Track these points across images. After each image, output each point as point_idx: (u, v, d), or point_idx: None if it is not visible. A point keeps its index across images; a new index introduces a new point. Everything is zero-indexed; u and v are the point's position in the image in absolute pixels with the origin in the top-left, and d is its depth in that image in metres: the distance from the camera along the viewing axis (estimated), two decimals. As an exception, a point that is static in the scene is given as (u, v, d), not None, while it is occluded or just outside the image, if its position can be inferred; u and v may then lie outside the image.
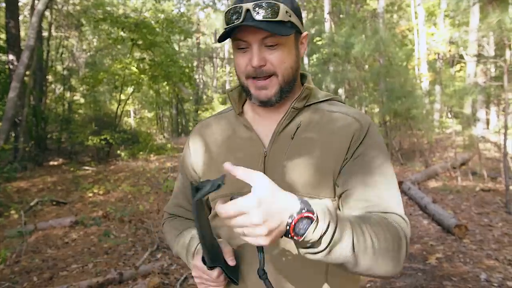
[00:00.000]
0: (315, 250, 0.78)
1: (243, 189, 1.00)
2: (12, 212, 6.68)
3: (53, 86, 17.01)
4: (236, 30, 0.98)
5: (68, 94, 16.02)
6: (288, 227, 0.76)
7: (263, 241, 0.74)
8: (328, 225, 0.77)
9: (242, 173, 0.77)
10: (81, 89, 16.87)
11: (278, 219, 0.74)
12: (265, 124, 1.09)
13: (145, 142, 14.49)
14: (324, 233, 0.77)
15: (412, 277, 3.96)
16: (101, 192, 8.47)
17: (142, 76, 13.52)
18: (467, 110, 11.43)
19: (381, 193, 0.97)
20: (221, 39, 1.01)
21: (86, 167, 11.57)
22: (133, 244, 5.24)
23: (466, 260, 4.35)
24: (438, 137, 12.02)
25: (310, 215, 0.75)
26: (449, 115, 12.73)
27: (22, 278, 4.18)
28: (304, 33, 1.08)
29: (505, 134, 6.55)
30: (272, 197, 0.74)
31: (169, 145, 15.68)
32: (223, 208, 0.75)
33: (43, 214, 7.00)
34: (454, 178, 8.28)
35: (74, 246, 5.28)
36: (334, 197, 1.02)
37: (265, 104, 1.04)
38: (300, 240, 0.76)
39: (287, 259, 1.00)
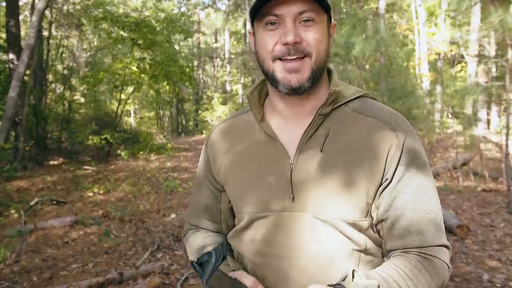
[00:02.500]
0: None
1: (269, 205, 0.97)
2: (12, 211, 6.66)
3: (53, 85, 16.99)
4: (267, 3, 0.86)
5: (68, 94, 15.99)
6: None
7: None
8: None
9: None
10: (81, 88, 16.85)
11: None
12: (289, 128, 0.99)
13: (145, 142, 14.47)
14: None
15: (414, 277, 3.94)
16: (101, 192, 8.45)
17: (143, 75, 13.49)
18: (468, 110, 11.41)
19: (423, 224, 0.91)
20: (254, 13, 0.90)
21: (86, 167, 11.55)
22: (133, 243, 5.22)
23: (469, 260, 4.33)
24: (439, 137, 11.99)
25: None
26: (450, 115, 12.70)
27: (22, 277, 4.16)
28: (333, 23, 0.97)
29: (506, 134, 6.54)
30: None
31: (169, 145, 15.66)
32: None
33: (43, 213, 6.98)
34: (455, 178, 8.27)
35: (74, 246, 5.26)
36: (366, 217, 0.95)
37: (296, 91, 0.91)
38: None
39: None
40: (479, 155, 8.87)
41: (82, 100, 17.50)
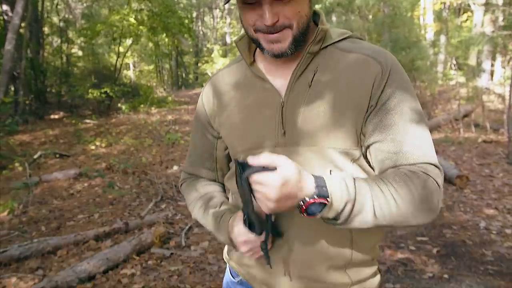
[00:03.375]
0: (334, 222, 0.85)
1: (263, 143, 1.00)
2: (16, 164, 6.73)
3: (49, 38, 16.65)
4: None
5: (65, 47, 15.70)
6: (299, 209, 0.83)
7: (267, 211, 0.83)
8: (345, 204, 0.81)
9: (266, 160, 0.80)
10: (78, 41, 16.54)
11: (289, 203, 0.81)
12: (280, 72, 1.01)
13: (146, 95, 14.38)
14: (341, 212, 0.82)
15: (413, 225, 4.03)
16: (103, 145, 8.51)
17: (141, 27, 13.19)
18: (472, 61, 11.24)
19: (410, 143, 0.90)
20: None
21: (87, 120, 11.56)
22: (137, 195, 5.31)
23: (467, 209, 4.42)
24: (441, 89, 11.90)
25: (322, 201, 0.80)
26: (453, 67, 12.52)
27: (31, 227, 4.28)
28: None
29: (511, 85, 6.48)
30: (292, 181, 0.79)
31: (169, 98, 15.56)
32: (253, 175, 0.80)
33: (47, 166, 7.07)
34: (457, 130, 8.29)
35: (79, 197, 5.36)
36: (357, 147, 0.96)
37: (279, 56, 0.95)
38: (313, 218, 0.83)
39: (312, 223, 0.96)
40: (481, 107, 8.84)
41: (80, 53, 17.22)
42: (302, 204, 0.81)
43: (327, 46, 0.99)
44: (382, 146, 0.92)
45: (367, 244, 1.02)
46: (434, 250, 3.45)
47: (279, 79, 1.01)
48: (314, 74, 0.96)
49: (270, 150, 0.99)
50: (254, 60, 1.05)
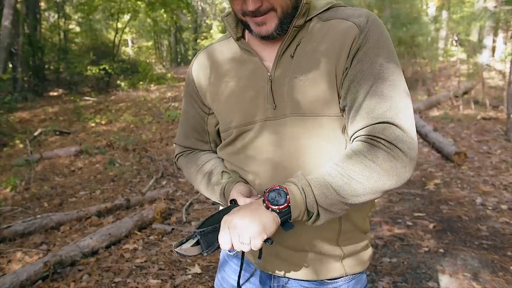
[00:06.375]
0: (310, 216, 0.89)
1: (253, 118, 1.02)
2: (17, 142, 6.76)
3: (46, 14, 16.43)
4: None
5: (63, 23, 15.50)
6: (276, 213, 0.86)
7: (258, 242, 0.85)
8: (304, 191, 0.87)
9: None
10: (76, 17, 16.32)
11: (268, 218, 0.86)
12: (268, 48, 1.03)
13: (145, 72, 14.30)
14: (305, 199, 0.86)
15: (411, 201, 4.10)
16: (103, 122, 8.52)
17: (139, 2, 13.01)
18: (474, 37, 11.13)
19: (374, 102, 0.88)
20: None
21: (87, 98, 11.53)
22: (138, 172, 5.36)
23: (464, 185, 4.47)
24: (442, 66, 11.83)
25: (280, 188, 0.88)
26: (454, 43, 12.41)
27: (33, 204, 4.33)
28: None
29: (511, 62, 6.44)
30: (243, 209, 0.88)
31: (169, 75, 15.48)
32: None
33: (48, 143, 7.10)
34: (456, 107, 8.29)
35: (81, 174, 5.41)
36: (343, 111, 0.97)
37: (267, 38, 0.98)
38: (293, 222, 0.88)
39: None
40: (481, 83, 8.81)
41: (78, 29, 17.03)
42: (268, 204, 0.86)
43: (311, 18, 1.00)
44: (350, 109, 0.92)
45: (357, 215, 1.05)
46: (431, 226, 3.52)
47: (267, 54, 1.03)
48: (297, 46, 0.99)
49: (261, 123, 1.01)
50: (242, 36, 1.06)
